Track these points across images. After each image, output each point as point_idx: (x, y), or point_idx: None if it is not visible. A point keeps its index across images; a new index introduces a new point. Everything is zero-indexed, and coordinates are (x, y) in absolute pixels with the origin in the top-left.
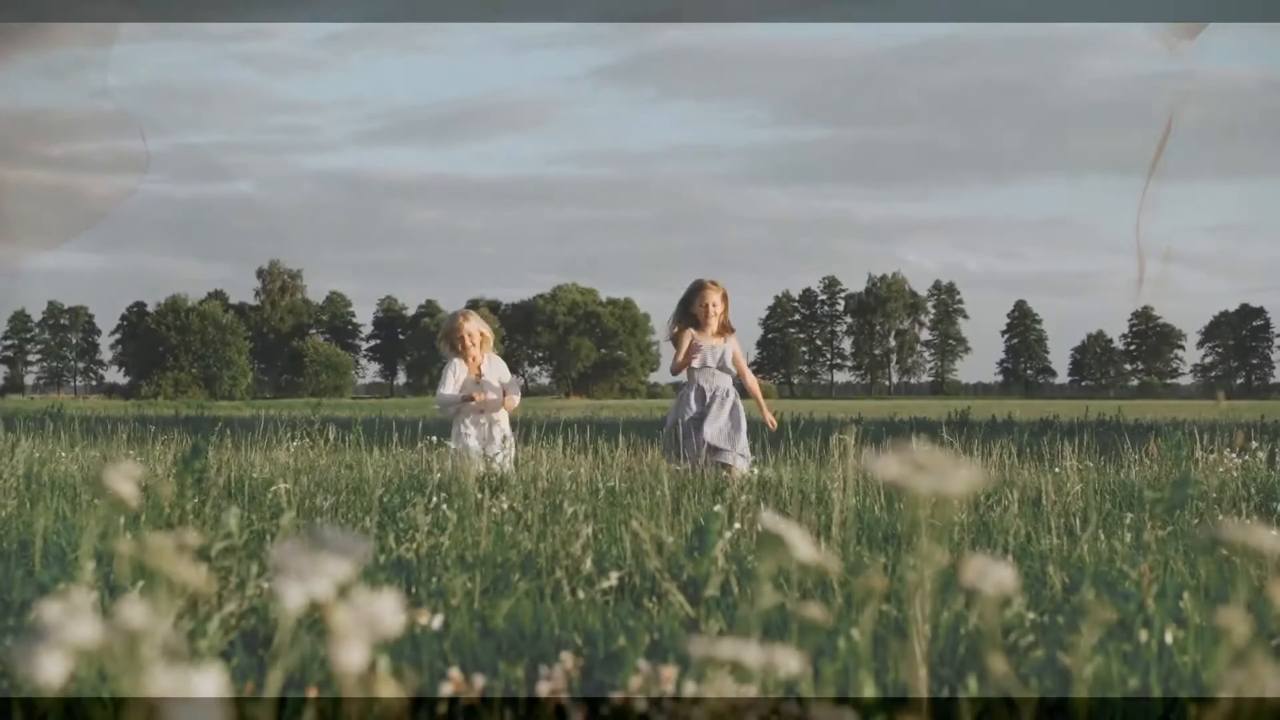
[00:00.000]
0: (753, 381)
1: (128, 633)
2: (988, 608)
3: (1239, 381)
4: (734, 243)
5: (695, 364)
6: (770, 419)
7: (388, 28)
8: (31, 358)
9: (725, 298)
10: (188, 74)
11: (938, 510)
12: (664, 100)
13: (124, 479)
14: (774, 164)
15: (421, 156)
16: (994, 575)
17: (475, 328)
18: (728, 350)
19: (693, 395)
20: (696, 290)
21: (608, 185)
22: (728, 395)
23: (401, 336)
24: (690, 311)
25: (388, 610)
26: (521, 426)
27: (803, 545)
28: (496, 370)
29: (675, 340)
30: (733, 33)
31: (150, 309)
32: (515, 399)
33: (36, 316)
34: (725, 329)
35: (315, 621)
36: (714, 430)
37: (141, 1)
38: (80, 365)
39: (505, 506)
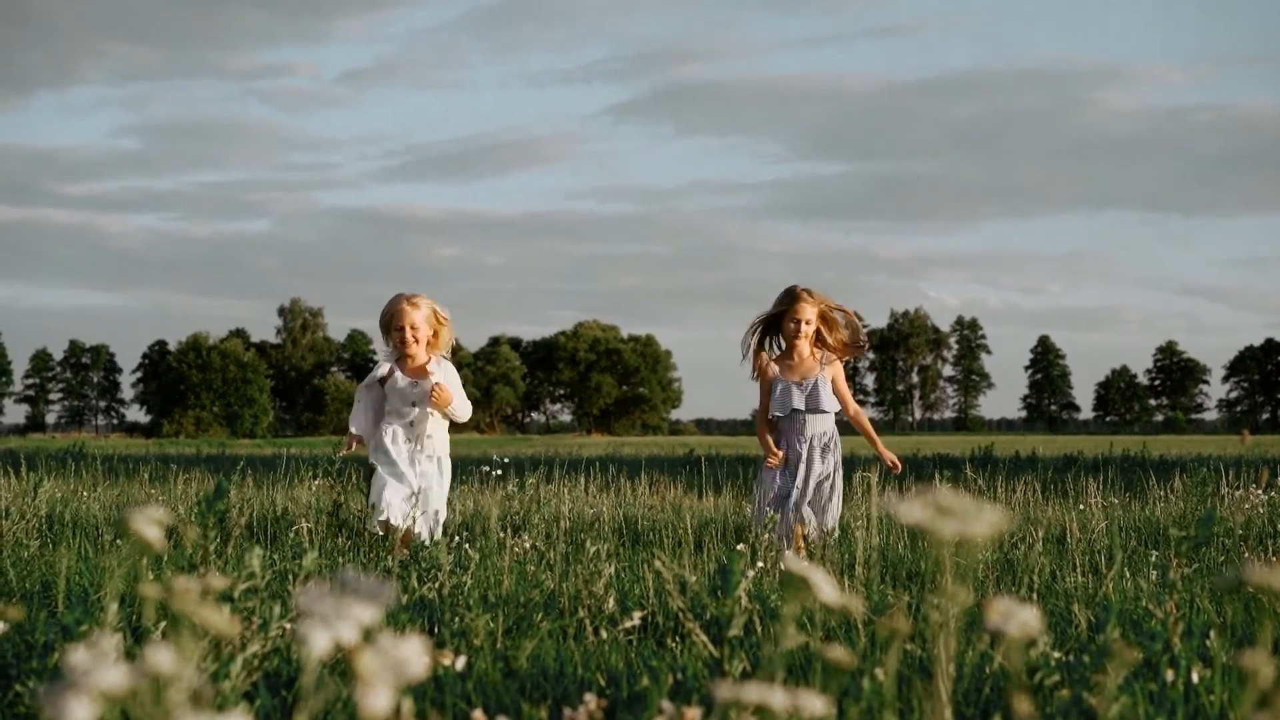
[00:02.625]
0: (859, 414)
1: (155, 677)
2: (1012, 649)
3: (1265, 416)
4: (754, 278)
5: (777, 412)
6: (892, 459)
7: (407, 64)
8: (53, 396)
9: (826, 315)
10: (207, 111)
11: (961, 551)
12: (683, 136)
13: (149, 523)
14: (794, 198)
15: (441, 192)
16: (1018, 617)
17: (421, 318)
18: (822, 382)
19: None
20: (785, 302)
21: (628, 221)
22: (825, 451)
23: None
24: (774, 332)
25: (413, 654)
26: (543, 465)
27: (826, 587)
28: (440, 375)
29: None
30: (751, 67)
31: (171, 347)
32: (464, 413)
33: (58, 355)
34: (823, 351)
35: (338, 662)
36: (805, 503)
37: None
38: (101, 404)
39: (528, 545)
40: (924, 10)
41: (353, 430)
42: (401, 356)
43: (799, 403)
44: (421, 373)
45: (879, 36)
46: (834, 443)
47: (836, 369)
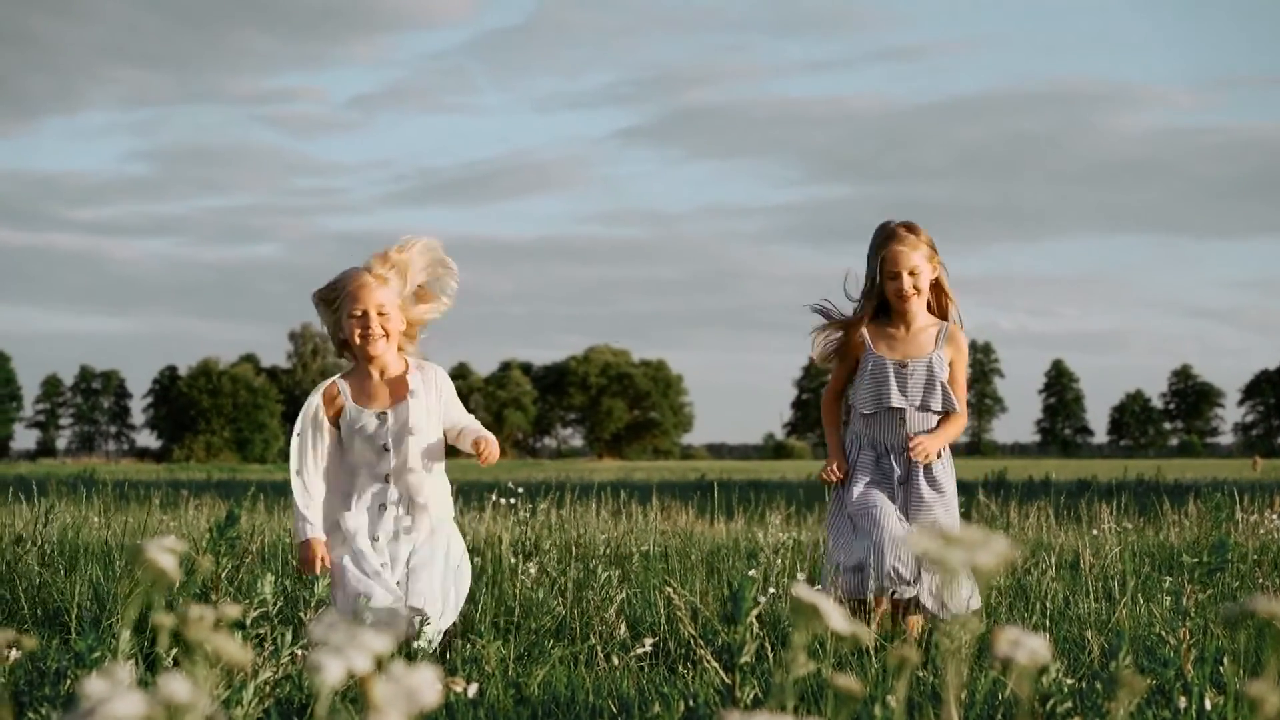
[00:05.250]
0: (962, 418)
1: (171, 707)
2: (1023, 676)
3: None
4: (765, 302)
5: (861, 407)
6: (926, 453)
7: (414, 89)
8: (64, 422)
9: (933, 256)
10: (215, 136)
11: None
12: (692, 160)
13: (164, 552)
14: (804, 222)
15: (449, 217)
16: (1028, 645)
17: (393, 296)
18: (939, 365)
19: (859, 473)
20: (879, 243)
21: (637, 245)
22: (934, 479)
23: None
24: (870, 290)
25: (426, 682)
26: (555, 490)
27: (835, 614)
28: (432, 392)
29: (816, 346)
30: (759, 91)
31: (182, 372)
32: (488, 448)
33: (69, 380)
34: (935, 315)
35: (348, 689)
36: (903, 542)
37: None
38: (112, 429)
39: (538, 571)
40: (932, 33)
41: (309, 535)
42: (359, 363)
43: (897, 395)
44: (397, 390)
45: (887, 59)
46: (946, 463)
47: (959, 344)
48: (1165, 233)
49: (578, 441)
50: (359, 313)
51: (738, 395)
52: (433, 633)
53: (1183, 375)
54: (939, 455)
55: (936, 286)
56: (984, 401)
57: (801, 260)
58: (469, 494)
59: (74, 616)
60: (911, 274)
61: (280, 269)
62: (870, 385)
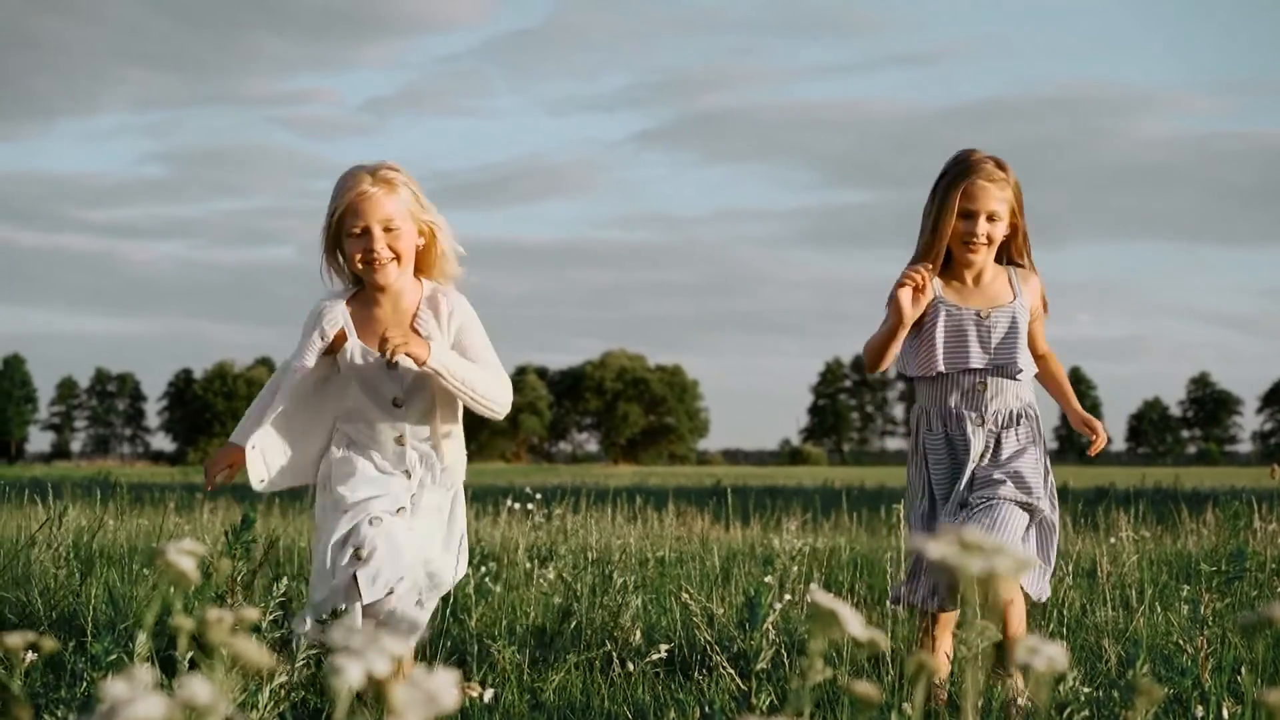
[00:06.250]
0: (1058, 369)
1: (191, 709)
2: (1039, 685)
3: None
4: (780, 306)
5: (925, 369)
6: (1096, 429)
7: (429, 92)
8: (78, 424)
9: (1018, 205)
10: (230, 138)
11: (989, 587)
12: (707, 163)
13: (183, 554)
14: (819, 226)
15: (463, 220)
16: (1045, 652)
17: (402, 208)
18: (1020, 315)
19: (928, 452)
20: (957, 175)
21: (652, 249)
22: (1021, 448)
23: None
24: (934, 229)
25: (444, 686)
26: (570, 495)
27: (853, 621)
28: (435, 320)
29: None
30: (775, 95)
31: (197, 375)
32: (496, 395)
33: (84, 383)
34: (1012, 266)
35: (363, 694)
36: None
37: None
38: (127, 432)
39: (554, 577)
40: (948, 38)
41: (236, 441)
42: (361, 291)
43: (978, 353)
44: (412, 328)
45: (902, 64)
46: (1036, 430)
47: (1035, 290)
48: (1183, 239)
49: (593, 446)
50: (359, 229)
51: (753, 400)
52: (427, 606)
53: (1201, 383)
54: (1038, 433)
55: (1014, 236)
56: None
57: (816, 264)
58: (484, 498)
59: (90, 620)
60: (991, 218)
61: (295, 271)
62: (945, 341)
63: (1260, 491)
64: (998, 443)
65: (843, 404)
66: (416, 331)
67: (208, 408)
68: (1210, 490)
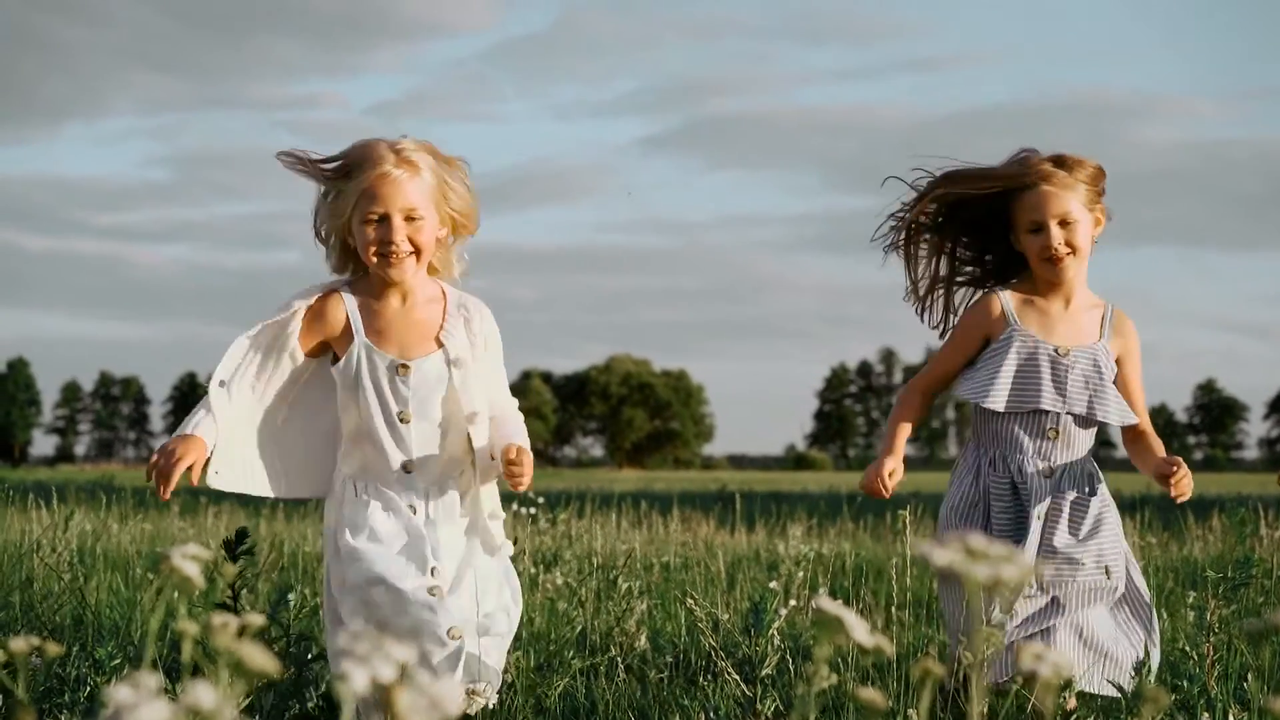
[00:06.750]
0: (1145, 422)
1: (197, 713)
2: (1046, 690)
3: None
4: (786, 312)
5: (992, 403)
6: (1178, 478)
7: (436, 96)
8: (83, 428)
9: (1096, 200)
10: (236, 142)
11: (996, 593)
12: (714, 169)
13: (187, 559)
14: (826, 232)
15: None
16: (1051, 659)
17: (426, 193)
18: (1105, 359)
19: (993, 500)
20: (1019, 182)
21: (659, 254)
22: (1088, 509)
23: None
24: (997, 245)
25: (449, 692)
26: (575, 500)
27: (859, 627)
28: (466, 333)
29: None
30: (781, 100)
31: (201, 379)
32: (521, 469)
33: (88, 387)
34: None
35: (365, 699)
36: (1064, 624)
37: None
38: (131, 435)
39: (559, 582)
40: (956, 44)
41: (189, 430)
42: (363, 280)
43: (1051, 394)
44: (425, 331)
45: (910, 70)
46: (1100, 488)
47: (1129, 335)
48: (1189, 246)
49: (598, 451)
50: (376, 215)
51: (759, 406)
52: (488, 676)
53: (1207, 389)
54: (1107, 507)
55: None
56: None
57: (823, 270)
58: None
59: (93, 624)
60: (1064, 224)
61: (301, 275)
62: (1015, 376)
63: (1266, 498)
64: (1079, 501)
65: (848, 409)
66: (440, 342)
67: None
68: (1216, 497)
